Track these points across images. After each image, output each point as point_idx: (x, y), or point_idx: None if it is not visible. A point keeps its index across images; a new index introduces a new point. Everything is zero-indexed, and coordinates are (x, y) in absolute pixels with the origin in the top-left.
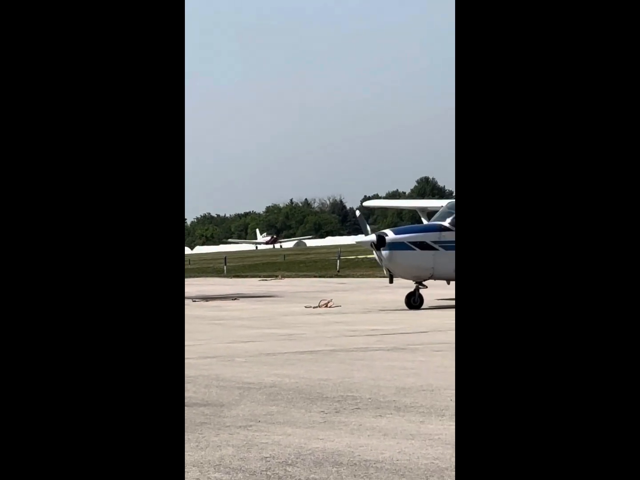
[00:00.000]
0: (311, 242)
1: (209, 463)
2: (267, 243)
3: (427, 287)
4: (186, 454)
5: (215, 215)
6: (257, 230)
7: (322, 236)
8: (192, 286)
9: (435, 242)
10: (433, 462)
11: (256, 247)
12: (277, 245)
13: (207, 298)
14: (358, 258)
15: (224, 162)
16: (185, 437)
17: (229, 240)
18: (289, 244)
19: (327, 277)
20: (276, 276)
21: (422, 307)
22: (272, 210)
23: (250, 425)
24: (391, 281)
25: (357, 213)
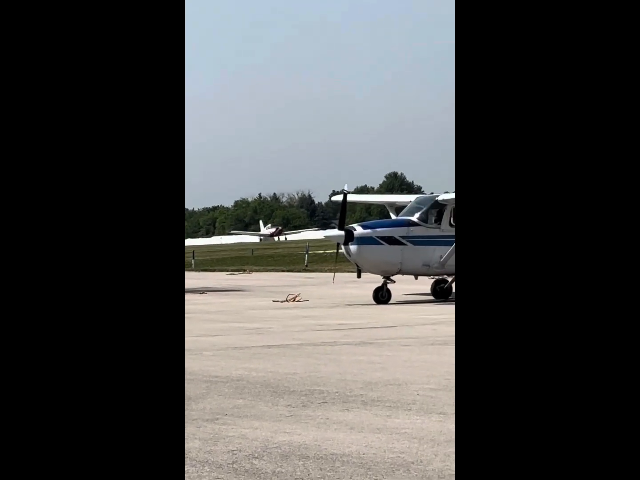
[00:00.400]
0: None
1: None
2: (271, 235)
3: (395, 282)
4: None
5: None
6: (261, 222)
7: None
8: None
9: (403, 237)
10: (399, 456)
11: (260, 238)
12: (282, 238)
13: None
14: (326, 253)
15: (192, 155)
16: None
17: (232, 232)
18: (293, 236)
19: (295, 272)
20: (244, 270)
21: (390, 302)
22: (240, 204)
23: (217, 419)
24: (359, 276)
25: (346, 187)
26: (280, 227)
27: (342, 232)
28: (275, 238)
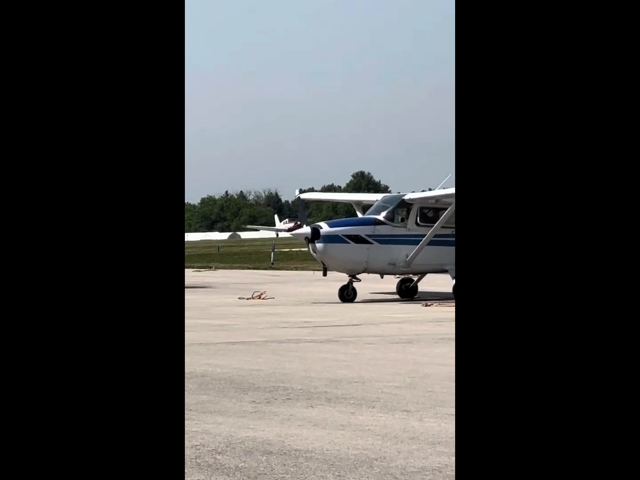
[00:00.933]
0: (245, 235)
1: None
2: (289, 230)
3: (360, 280)
4: None
5: None
6: (276, 217)
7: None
8: None
9: (369, 236)
10: (363, 453)
11: (277, 234)
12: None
13: None
14: (292, 251)
15: None
16: None
17: (247, 227)
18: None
19: (261, 269)
20: (210, 267)
21: (356, 300)
22: (207, 202)
23: None
24: (325, 274)
25: (297, 193)
26: (298, 222)
27: (309, 230)
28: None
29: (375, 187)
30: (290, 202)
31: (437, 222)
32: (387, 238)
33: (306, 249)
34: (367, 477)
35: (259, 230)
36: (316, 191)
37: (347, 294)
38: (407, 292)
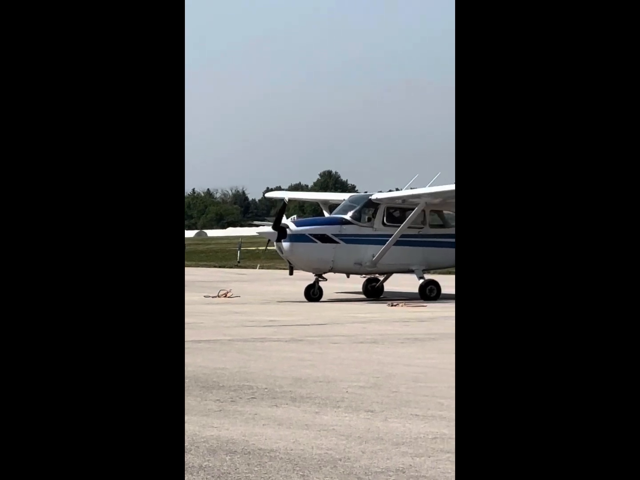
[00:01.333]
0: (212, 233)
1: None
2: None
3: (326, 279)
4: None
5: None
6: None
7: (224, 227)
8: None
9: (336, 235)
10: (327, 453)
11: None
12: None
13: None
14: (259, 249)
15: None
16: None
17: (254, 222)
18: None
19: (227, 268)
20: None
21: (321, 299)
22: None
23: None
24: (291, 273)
25: (284, 198)
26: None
27: (275, 229)
28: None
29: (343, 187)
30: (257, 200)
31: (404, 222)
32: (353, 238)
33: (273, 248)
34: (331, 477)
35: (263, 225)
36: (283, 190)
37: (313, 293)
38: (373, 292)
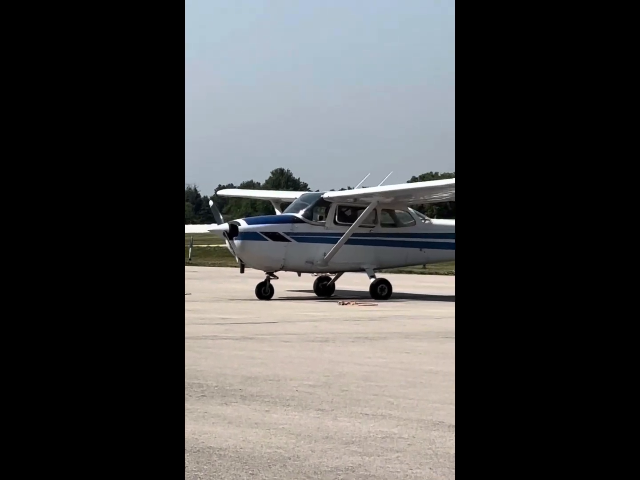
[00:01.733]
0: None
1: None
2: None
3: (277, 277)
4: None
5: None
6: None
7: None
8: None
9: (287, 234)
10: (276, 451)
11: None
12: None
13: None
14: (210, 247)
15: None
16: None
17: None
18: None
19: None
20: None
21: (273, 297)
22: None
23: None
24: (242, 271)
25: (211, 203)
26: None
27: (227, 227)
28: None
29: (295, 185)
30: (209, 197)
31: (355, 221)
32: (305, 236)
33: (224, 245)
34: (280, 476)
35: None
36: (235, 187)
37: (264, 291)
38: (324, 291)
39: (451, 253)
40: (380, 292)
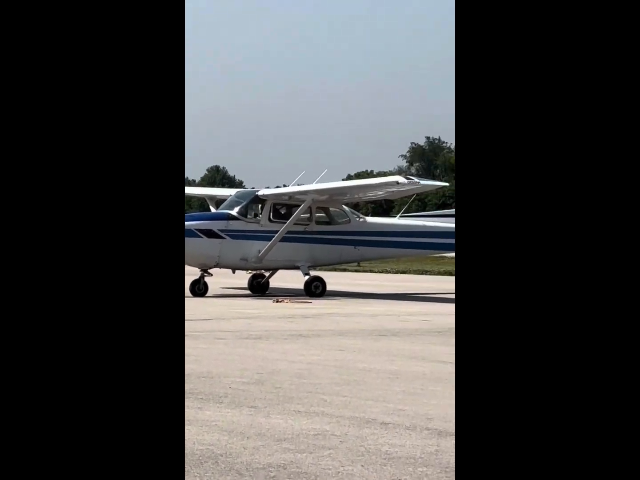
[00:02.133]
0: None
1: None
2: None
3: (212, 275)
4: None
5: None
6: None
7: None
8: None
9: (222, 231)
10: (208, 448)
11: None
12: None
13: None
14: None
15: None
16: None
17: None
18: None
19: None
20: None
21: (207, 294)
22: None
23: None
24: None
25: None
26: None
27: None
28: None
29: (230, 182)
30: None
31: (290, 218)
32: (239, 233)
33: None
34: (212, 473)
35: None
36: None
37: (199, 289)
38: (259, 288)
39: (385, 251)
40: (315, 289)
